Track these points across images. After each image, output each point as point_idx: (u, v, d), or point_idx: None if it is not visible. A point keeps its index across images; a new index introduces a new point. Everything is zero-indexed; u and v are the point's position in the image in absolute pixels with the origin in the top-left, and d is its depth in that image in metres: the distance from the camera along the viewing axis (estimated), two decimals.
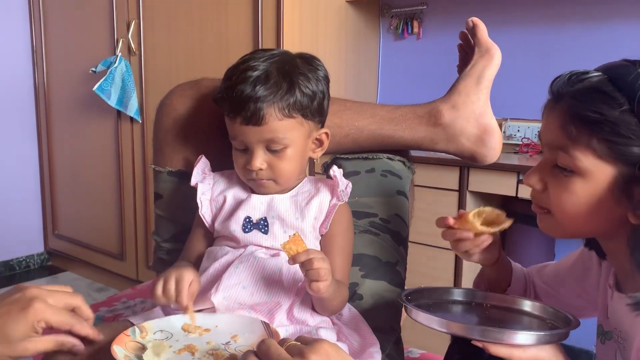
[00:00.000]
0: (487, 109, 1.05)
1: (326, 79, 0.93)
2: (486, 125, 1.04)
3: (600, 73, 0.71)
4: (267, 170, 0.89)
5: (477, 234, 0.84)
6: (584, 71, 0.72)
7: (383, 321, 0.99)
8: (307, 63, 0.91)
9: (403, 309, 1.06)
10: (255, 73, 0.85)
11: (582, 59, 0.73)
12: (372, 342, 0.90)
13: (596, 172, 0.69)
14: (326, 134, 0.95)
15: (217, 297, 0.84)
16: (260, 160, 0.88)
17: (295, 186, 0.95)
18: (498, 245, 0.89)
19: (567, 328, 0.75)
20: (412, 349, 1.33)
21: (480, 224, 0.83)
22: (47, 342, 0.68)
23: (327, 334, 0.87)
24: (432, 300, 0.89)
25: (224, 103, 0.89)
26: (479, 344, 0.71)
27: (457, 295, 0.91)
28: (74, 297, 0.72)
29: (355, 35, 2.43)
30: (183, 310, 0.81)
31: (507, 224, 0.84)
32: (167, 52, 2.37)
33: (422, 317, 0.75)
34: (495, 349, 0.71)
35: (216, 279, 0.87)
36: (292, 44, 2.06)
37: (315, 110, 0.90)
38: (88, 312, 0.72)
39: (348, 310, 0.96)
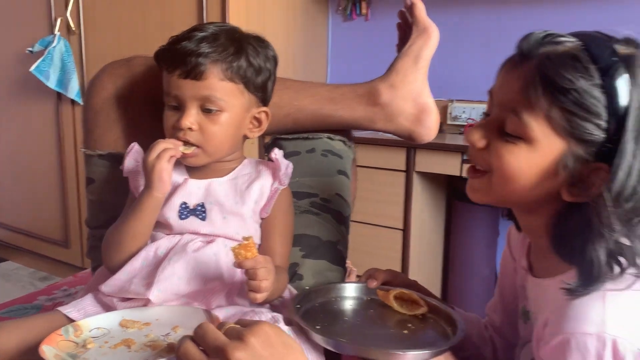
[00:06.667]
0: (425, 89, 1.05)
1: (275, 60, 0.92)
2: (423, 105, 1.05)
3: (576, 39, 0.66)
4: (196, 132, 0.85)
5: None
6: (559, 33, 0.67)
7: None
8: (258, 40, 0.90)
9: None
10: (203, 33, 0.84)
11: None
12: None
13: (546, 144, 0.66)
14: (266, 113, 0.92)
15: (153, 293, 0.81)
16: (191, 118, 0.83)
17: (234, 168, 0.92)
18: None
19: (450, 342, 0.77)
20: None
21: (400, 304, 0.88)
22: None
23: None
24: (320, 301, 0.90)
25: (164, 57, 0.85)
26: None
27: (347, 291, 0.93)
28: None
29: (304, 16, 2.40)
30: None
31: (423, 310, 0.87)
32: (109, 31, 2.27)
33: (316, 337, 0.76)
34: None
35: (150, 273, 0.83)
36: (238, 23, 1.99)
37: (259, 86, 0.89)
38: None
39: (288, 291, 0.95)
